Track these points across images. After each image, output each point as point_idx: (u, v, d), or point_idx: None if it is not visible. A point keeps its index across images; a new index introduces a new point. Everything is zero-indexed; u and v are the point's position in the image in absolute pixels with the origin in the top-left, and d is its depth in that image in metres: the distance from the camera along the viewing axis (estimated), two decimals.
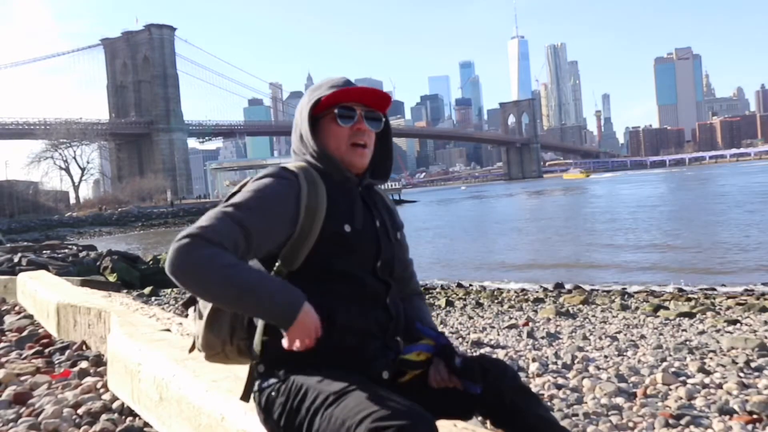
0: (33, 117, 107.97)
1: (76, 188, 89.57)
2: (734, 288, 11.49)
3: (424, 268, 15.98)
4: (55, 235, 44.75)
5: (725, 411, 3.35)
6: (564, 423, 3.18)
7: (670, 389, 3.89)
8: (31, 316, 6.05)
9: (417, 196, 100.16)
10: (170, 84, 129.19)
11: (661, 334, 6.61)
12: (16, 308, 6.75)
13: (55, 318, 5.09)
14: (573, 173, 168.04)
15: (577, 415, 3.43)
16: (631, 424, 3.23)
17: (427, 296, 11.26)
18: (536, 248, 21.08)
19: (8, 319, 6.06)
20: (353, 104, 1.59)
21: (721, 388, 3.87)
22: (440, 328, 4.85)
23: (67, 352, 4.41)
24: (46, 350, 4.56)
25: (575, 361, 5.02)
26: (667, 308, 9.15)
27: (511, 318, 8.61)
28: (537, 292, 12.32)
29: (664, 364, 4.67)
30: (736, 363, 4.57)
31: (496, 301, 11.06)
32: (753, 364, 4.53)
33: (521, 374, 4.44)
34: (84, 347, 4.49)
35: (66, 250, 18.35)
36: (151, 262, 16.08)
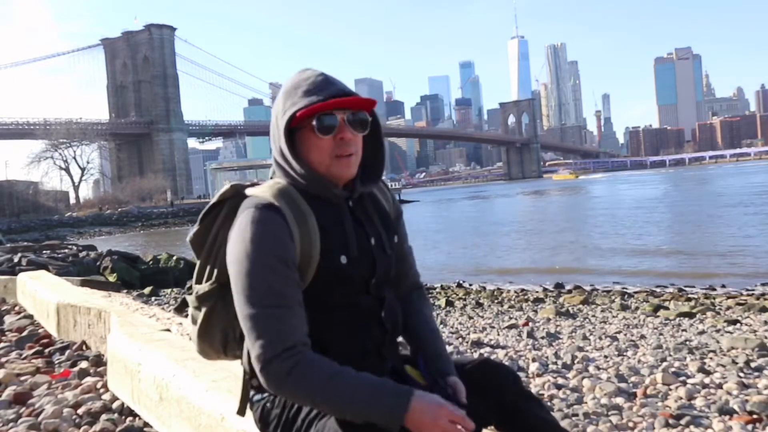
0: (33, 117, 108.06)
1: (76, 188, 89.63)
2: (735, 280, 11.49)
3: (424, 268, 15.96)
4: (55, 235, 44.74)
5: (725, 411, 3.35)
6: (564, 423, 3.18)
7: (670, 389, 3.89)
8: (31, 316, 6.04)
9: (417, 196, 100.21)
10: (170, 84, 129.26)
11: (661, 334, 6.61)
12: (16, 308, 6.75)
13: (55, 318, 5.09)
14: (562, 174, 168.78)
15: (577, 415, 3.43)
16: (631, 424, 3.23)
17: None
18: (536, 248, 21.09)
19: (8, 319, 6.06)
20: (333, 110, 1.41)
21: (721, 388, 3.87)
22: (440, 328, 4.85)
23: (67, 352, 4.40)
24: (46, 350, 4.55)
25: (575, 361, 5.02)
26: (667, 308, 9.15)
27: (511, 318, 8.61)
28: (537, 292, 12.33)
29: (664, 364, 4.67)
30: (736, 363, 4.57)
31: (496, 301, 11.07)
32: (753, 364, 4.53)
33: (521, 374, 4.44)
34: (84, 347, 4.49)
35: (66, 250, 18.36)
36: (151, 262, 16.08)
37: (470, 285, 14.00)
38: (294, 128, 1.43)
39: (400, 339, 1.60)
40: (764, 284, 11.73)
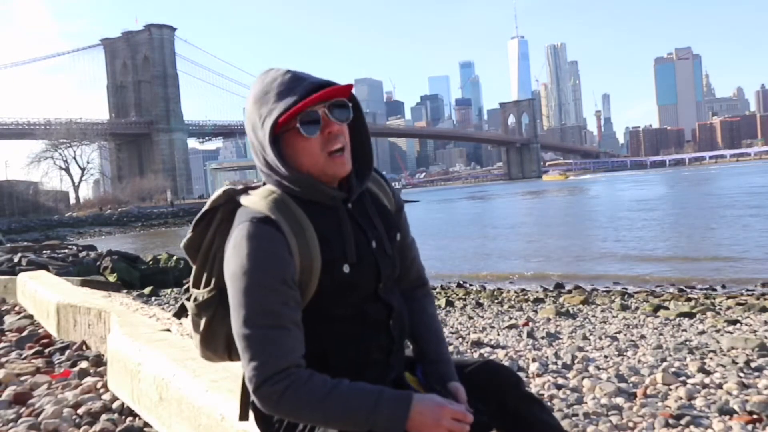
0: (33, 117, 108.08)
1: (76, 188, 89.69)
2: (735, 278, 11.48)
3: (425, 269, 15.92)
4: (55, 235, 44.73)
5: (725, 411, 3.35)
6: (564, 423, 3.18)
7: (670, 389, 3.89)
8: (31, 316, 6.05)
9: (417, 196, 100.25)
10: (170, 84, 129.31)
11: (661, 334, 6.61)
12: (16, 308, 6.75)
13: (55, 318, 5.09)
14: (552, 175, 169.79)
15: (577, 415, 3.43)
16: (631, 424, 3.22)
17: None
18: (536, 249, 21.09)
19: (8, 319, 6.06)
20: (312, 106, 1.35)
21: (721, 388, 3.87)
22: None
23: (67, 352, 4.41)
24: (46, 350, 4.55)
25: (575, 361, 5.02)
26: (667, 308, 9.15)
27: (511, 318, 8.60)
28: (537, 292, 12.33)
29: (664, 364, 4.67)
30: (736, 363, 4.57)
31: (496, 301, 11.07)
32: (753, 364, 4.53)
33: (521, 374, 4.44)
34: (84, 347, 4.49)
35: (66, 250, 18.36)
36: (151, 262, 16.09)
37: (470, 285, 14.01)
38: (276, 135, 1.36)
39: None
40: (764, 284, 11.73)
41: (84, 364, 3.96)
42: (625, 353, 5.41)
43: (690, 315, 8.16)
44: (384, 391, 1.28)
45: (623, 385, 4.05)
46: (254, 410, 1.48)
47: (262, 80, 1.41)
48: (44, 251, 17.16)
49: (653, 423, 3.21)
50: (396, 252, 1.52)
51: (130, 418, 2.89)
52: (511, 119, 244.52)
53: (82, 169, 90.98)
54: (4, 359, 4.33)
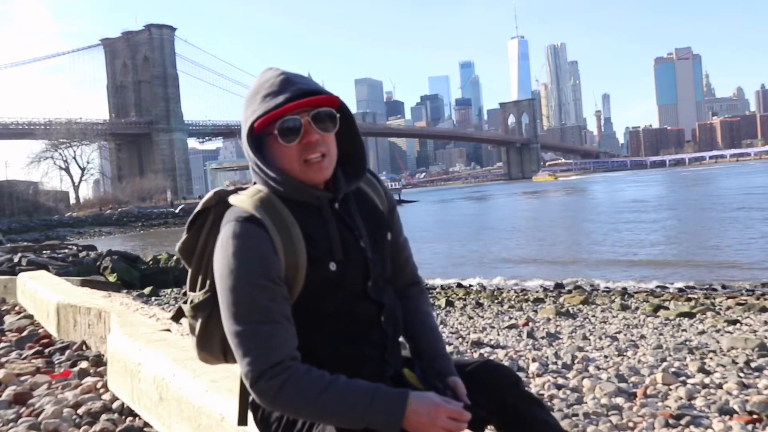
0: (33, 117, 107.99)
1: (76, 188, 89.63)
2: (735, 278, 11.48)
3: (424, 269, 15.94)
4: (55, 235, 44.72)
5: (725, 411, 3.35)
6: (564, 423, 3.18)
7: (670, 389, 3.89)
8: (31, 316, 6.05)
9: (417, 196, 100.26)
10: (170, 84, 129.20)
11: (661, 334, 6.61)
12: (16, 308, 6.75)
13: (55, 318, 5.09)
14: (541, 176, 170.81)
15: (577, 415, 3.43)
16: (631, 424, 3.23)
17: None
18: (536, 249, 21.09)
19: (8, 319, 6.06)
20: (296, 113, 1.34)
21: (721, 388, 3.88)
22: (440, 329, 4.85)
23: (67, 352, 4.41)
24: (46, 350, 4.56)
25: (575, 361, 5.02)
26: (667, 308, 9.16)
27: (511, 318, 8.61)
28: (537, 292, 12.33)
29: (664, 364, 4.67)
30: (736, 363, 4.57)
31: (496, 301, 11.07)
32: (753, 364, 4.53)
33: (521, 374, 4.44)
34: (84, 347, 4.49)
35: (66, 250, 18.38)
36: (151, 262, 16.11)
37: (470, 285, 14.00)
38: (261, 135, 1.38)
39: (400, 339, 1.58)
40: (764, 284, 11.73)
41: (84, 364, 3.96)
42: (625, 353, 5.41)
43: (690, 315, 8.17)
44: (380, 388, 1.29)
45: (623, 385, 4.06)
46: (253, 410, 1.48)
47: (259, 79, 1.42)
48: (44, 251, 17.17)
49: (653, 423, 3.21)
50: (387, 251, 1.52)
51: (130, 418, 2.89)
52: (511, 119, 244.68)
53: (82, 169, 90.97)
54: (4, 359, 4.33)
